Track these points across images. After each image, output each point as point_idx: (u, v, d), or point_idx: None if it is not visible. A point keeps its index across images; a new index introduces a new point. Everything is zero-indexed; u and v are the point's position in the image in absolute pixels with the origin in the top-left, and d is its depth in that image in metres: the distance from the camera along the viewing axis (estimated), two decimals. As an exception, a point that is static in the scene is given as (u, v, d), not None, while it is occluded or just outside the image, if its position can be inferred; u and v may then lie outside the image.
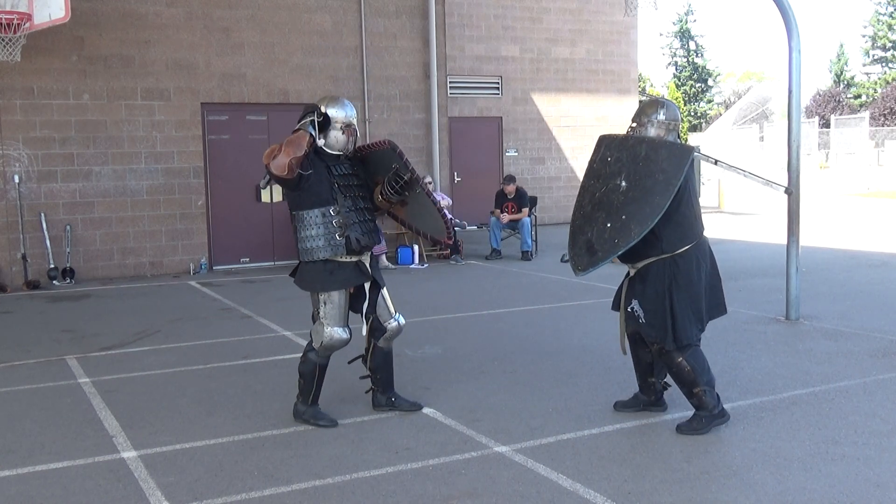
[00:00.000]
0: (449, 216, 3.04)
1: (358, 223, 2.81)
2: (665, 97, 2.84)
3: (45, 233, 6.59)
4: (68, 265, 6.67)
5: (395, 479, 2.43)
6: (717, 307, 2.83)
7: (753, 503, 2.21)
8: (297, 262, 2.93)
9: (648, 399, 2.97)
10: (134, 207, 7.00)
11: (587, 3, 11.13)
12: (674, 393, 3.21)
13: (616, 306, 2.92)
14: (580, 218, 2.78)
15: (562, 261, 7.42)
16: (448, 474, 2.45)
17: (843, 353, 3.83)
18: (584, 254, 2.69)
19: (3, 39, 5.70)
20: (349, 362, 3.12)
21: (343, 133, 2.80)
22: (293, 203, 2.84)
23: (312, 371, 2.85)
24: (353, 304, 2.89)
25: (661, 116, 2.82)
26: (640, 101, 2.94)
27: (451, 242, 3.07)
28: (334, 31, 7.72)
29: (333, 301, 2.80)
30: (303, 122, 2.73)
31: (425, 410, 3.07)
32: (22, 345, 4.43)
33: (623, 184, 2.65)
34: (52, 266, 6.62)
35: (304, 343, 4.23)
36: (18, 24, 5.68)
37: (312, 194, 2.77)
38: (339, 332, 2.81)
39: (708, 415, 2.75)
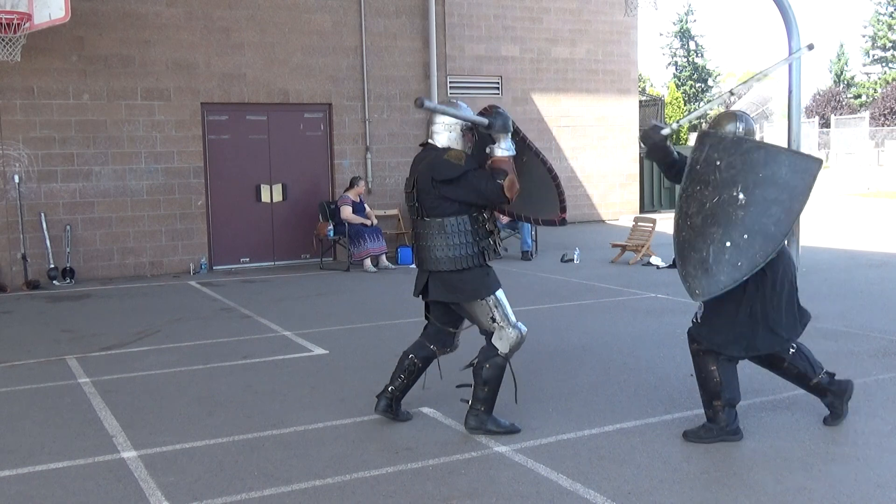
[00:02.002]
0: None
1: (496, 227, 2.81)
2: (742, 111, 2.65)
3: (45, 233, 6.60)
4: (68, 265, 6.68)
5: (395, 479, 2.43)
6: (771, 339, 2.59)
7: (753, 503, 2.21)
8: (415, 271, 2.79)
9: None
10: (134, 207, 7.01)
11: (587, 3, 11.13)
12: (674, 393, 3.21)
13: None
14: (688, 230, 2.46)
15: (562, 261, 7.43)
16: (448, 474, 2.45)
17: (844, 353, 3.84)
18: (701, 275, 2.40)
19: (3, 39, 5.70)
20: (461, 369, 2.92)
21: (463, 136, 2.81)
22: (438, 210, 2.68)
23: (500, 376, 2.74)
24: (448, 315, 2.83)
25: (741, 131, 2.55)
26: (717, 115, 2.66)
27: (565, 217, 2.79)
28: (334, 31, 7.72)
29: (501, 300, 2.75)
30: (504, 141, 2.64)
31: (425, 410, 3.07)
32: (22, 345, 4.44)
33: (741, 196, 2.36)
34: (52, 266, 6.62)
35: (305, 343, 4.27)
36: (18, 23, 5.68)
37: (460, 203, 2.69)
38: (522, 328, 2.78)
39: (718, 429, 2.65)
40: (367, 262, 7.13)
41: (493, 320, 2.73)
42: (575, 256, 7.57)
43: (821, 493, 2.27)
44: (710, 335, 2.63)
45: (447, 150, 2.74)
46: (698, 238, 2.49)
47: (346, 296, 5.87)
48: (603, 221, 11.31)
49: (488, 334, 2.78)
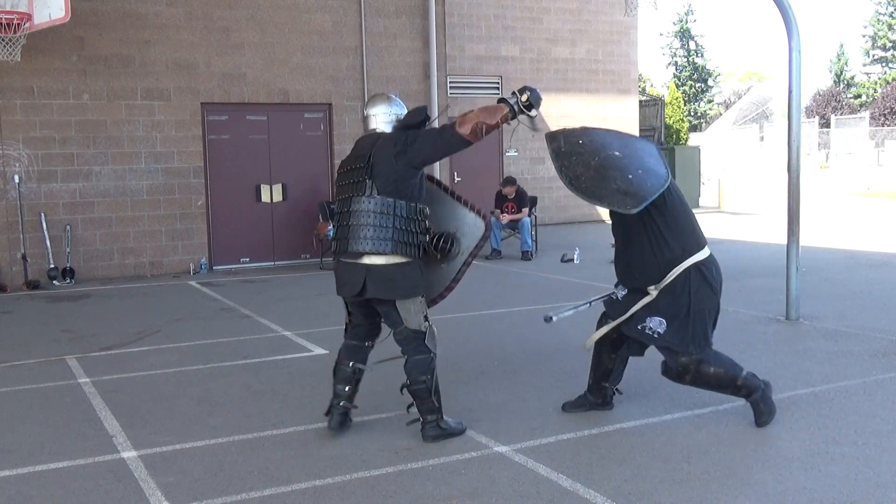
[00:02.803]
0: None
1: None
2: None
3: (45, 233, 6.60)
4: (68, 265, 6.68)
5: (395, 479, 2.43)
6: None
7: (754, 503, 2.21)
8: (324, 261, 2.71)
9: (596, 401, 2.98)
10: (134, 207, 7.01)
11: (587, 3, 11.14)
12: (674, 393, 3.21)
13: (608, 319, 2.81)
14: (587, 181, 2.68)
15: (562, 261, 7.43)
16: (448, 474, 2.45)
17: (844, 352, 3.83)
18: (625, 198, 2.62)
19: (3, 39, 5.71)
20: (402, 390, 2.76)
21: None
22: (404, 192, 2.56)
23: (435, 378, 2.66)
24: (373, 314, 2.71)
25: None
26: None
27: (487, 226, 2.80)
28: (334, 31, 7.72)
29: (424, 298, 2.66)
30: (506, 100, 2.61)
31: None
32: (22, 345, 4.44)
33: (617, 153, 2.70)
34: (52, 266, 6.62)
35: (305, 342, 4.26)
36: (18, 23, 5.69)
37: (422, 187, 2.63)
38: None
39: (760, 394, 2.78)
40: (367, 262, 7.14)
41: (426, 318, 2.64)
42: (575, 256, 7.52)
43: (821, 493, 2.27)
44: (673, 338, 2.69)
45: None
46: (602, 181, 2.68)
47: (346, 296, 5.90)
48: (603, 221, 11.30)
49: (408, 340, 2.63)
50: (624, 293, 2.82)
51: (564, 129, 2.83)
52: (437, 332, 2.70)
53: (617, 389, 2.99)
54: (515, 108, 2.63)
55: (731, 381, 2.76)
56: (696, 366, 2.71)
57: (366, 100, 7.87)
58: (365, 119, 2.78)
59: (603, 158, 2.69)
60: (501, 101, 2.68)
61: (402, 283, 2.59)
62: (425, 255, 2.66)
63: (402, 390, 2.77)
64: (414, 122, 2.68)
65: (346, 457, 2.60)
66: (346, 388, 2.74)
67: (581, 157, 2.70)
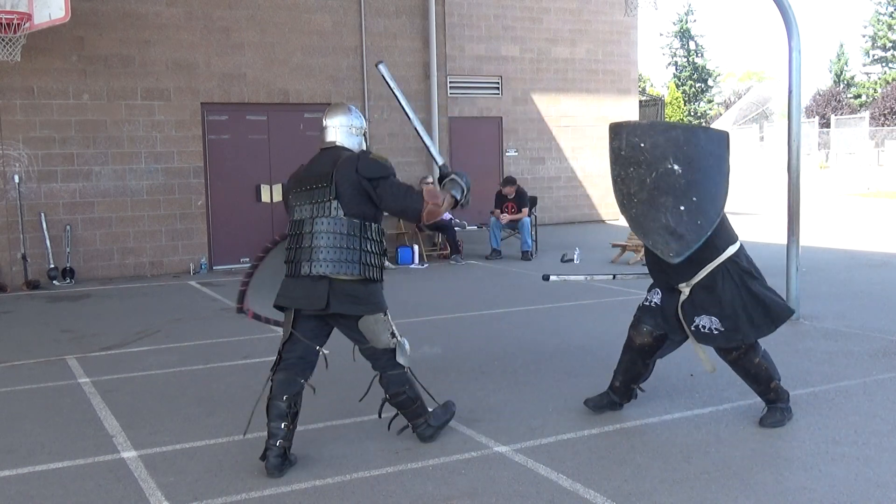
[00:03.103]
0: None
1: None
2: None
3: (45, 233, 6.60)
4: (68, 265, 6.68)
5: (395, 479, 2.43)
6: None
7: (754, 503, 2.22)
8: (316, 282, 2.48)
9: (620, 401, 2.97)
10: (134, 207, 7.01)
11: (587, 3, 11.14)
12: (673, 393, 3.21)
13: (673, 331, 2.78)
14: (637, 206, 2.62)
15: (562, 261, 7.43)
16: (448, 474, 2.46)
17: (843, 352, 3.84)
18: (670, 240, 2.58)
19: (3, 39, 5.71)
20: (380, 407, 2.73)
21: (365, 141, 2.73)
22: (368, 214, 2.54)
23: (414, 386, 2.64)
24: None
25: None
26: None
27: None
28: (334, 32, 7.72)
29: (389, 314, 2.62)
30: (451, 188, 2.65)
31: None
32: (22, 345, 4.44)
33: (676, 167, 2.56)
34: (52, 266, 6.62)
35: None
36: (18, 23, 5.69)
37: (377, 208, 2.59)
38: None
39: (785, 406, 2.83)
40: (368, 262, 7.15)
41: (393, 335, 2.58)
42: (575, 256, 7.57)
43: (821, 493, 2.27)
44: (736, 334, 2.70)
45: (368, 150, 2.68)
46: (651, 210, 2.65)
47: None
48: (603, 221, 11.32)
49: (377, 356, 2.58)
50: (658, 298, 2.80)
51: (629, 121, 2.72)
52: (404, 347, 2.60)
53: (641, 388, 3.00)
54: (462, 202, 2.71)
55: (767, 380, 2.81)
56: (744, 351, 2.75)
57: (366, 100, 7.96)
58: (323, 130, 2.68)
59: (659, 175, 2.56)
60: (450, 183, 2.68)
61: (368, 298, 2.55)
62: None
63: (380, 412, 2.71)
64: (373, 176, 2.54)
65: (346, 457, 2.60)
66: (283, 426, 2.48)
67: (639, 169, 2.59)
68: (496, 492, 2.32)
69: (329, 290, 2.50)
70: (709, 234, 2.59)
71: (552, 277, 3.05)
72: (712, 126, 2.62)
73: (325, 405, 3.01)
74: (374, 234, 2.57)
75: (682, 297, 2.73)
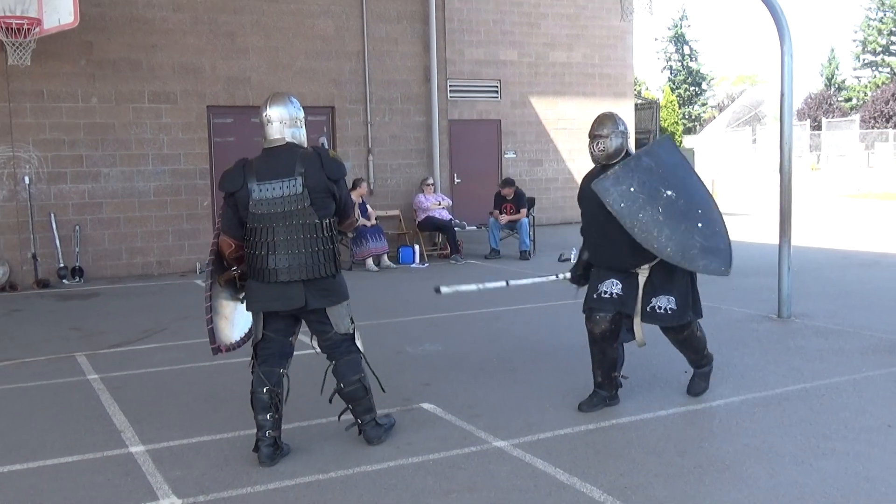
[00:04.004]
0: None
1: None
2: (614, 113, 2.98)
3: (55, 233, 6.67)
4: (77, 264, 6.75)
5: (396, 473, 2.46)
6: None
7: (746, 497, 2.23)
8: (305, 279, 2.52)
9: (609, 394, 3.04)
10: (141, 208, 7.08)
11: (584, 8, 11.21)
12: (668, 390, 3.26)
13: (620, 310, 2.90)
14: (668, 241, 2.75)
15: (559, 260, 7.45)
16: (448, 468, 2.49)
17: (834, 350, 3.88)
18: (713, 259, 2.83)
19: (13, 44, 5.79)
20: (330, 400, 2.78)
21: (304, 129, 2.67)
22: (328, 210, 2.56)
23: (366, 378, 2.67)
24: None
25: (622, 127, 2.99)
26: (599, 116, 3.06)
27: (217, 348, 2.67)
28: (337, 36, 7.80)
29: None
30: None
31: (426, 406, 3.11)
32: (32, 342, 4.49)
33: (670, 193, 2.76)
34: (62, 265, 6.69)
35: (308, 340, 4.30)
36: (29, 28, 5.77)
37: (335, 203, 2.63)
38: None
39: (709, 369, 3.15)
40: (370, 261, 7.19)
41: (352, 321, 2.65)
42: (572, 256, 7.55)
43: (812, 487, 2.30)
44: (686, 313, 2.96)
45: (326, 148, 2.68)
46: (681, 238, 2.81)
47: (348, 296, 5.97)
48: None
49: (336, 344, 2.61)
50: (618, 288, 2.90)
51: (605, 176, 2.79)
52: (362, 336, 2.70)
53: (623, 376, 3.09)
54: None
55: (704, 347, 3.11)
56: (692, 329, 3.02)
57: (368, 103, 8.04)
58: (267, 123, 2.57)
59: (664, 207, 2.77)
60: None
61: (336, 289, 2.61)
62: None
63: (331, 400, 2.73)
64: (337, 177, 2.59)
65: (349, 452, 2.64)
66: (269, 417, 2.54)
67: (645, 209, 2.78)
68: (495, 486, 2.35)
69: (304, 289, 2.53)
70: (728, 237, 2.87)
71: (443, 289, 3.07)
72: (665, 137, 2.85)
73: (327, 401, 3.07)
74: (333, 229, 2.59)
75: (643, 279, 2.89)
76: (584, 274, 3.14)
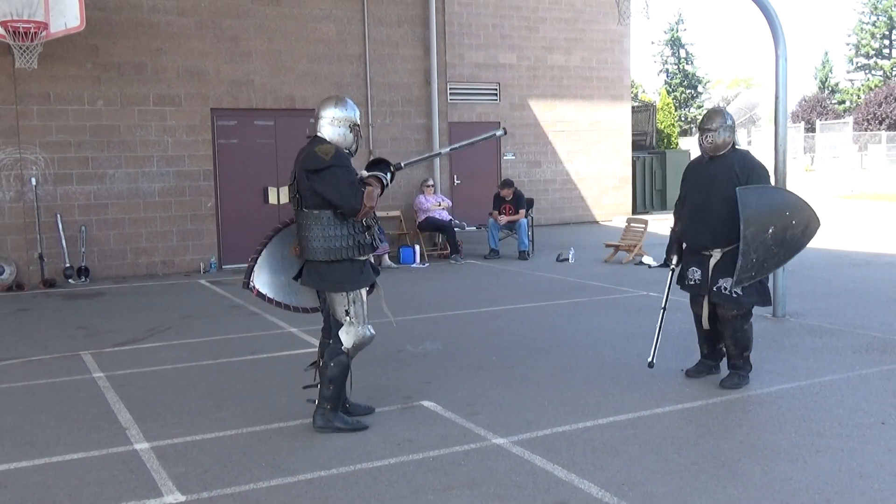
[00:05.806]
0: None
1: (376, 222, 2.86)
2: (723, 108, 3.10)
3: (61, 233, 6.71)
4: (83, 264, 6.80)
5: (397, 469, 2.48)
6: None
7: (741, 493, 2.25)
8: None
9: (715, 363, 3.37)
10: (146, 209, 7.13)
11: (582, 12, 11.28)
12: (665, 387, 3.27)
13: (692, 289, 3.28)
14: (758, 259, 3.12)
15: (557, 260, 7.54)
16: (448, 465, 2.50)
17: (828, 348, 3.90)
18: (761, 295, 3.23)
19: (20, 47, 5.83)
20: (305, 369, 3.04)
21: (351, 132, 2.84)
22: (316, 202, 2.71)
23: (345, 373, 2.78)
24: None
25: (729, 122, 3.22)
26: (708, 111, 3.28)
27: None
28: (338, 40, 7.85)
29: (361, 299, 2.78)
30: (377, 173, 2.81)
31: (426, 404, 3.14)
32: (38, 341, 4.51)
33: (770, 231, 3.12)
34: (68, 265, 6.73)
35: (310, 339, 4.35)
36: (35, 32, 5.82)
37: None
38: (370, 330, 2.82)
39: (745, 374, 3.26)
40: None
41: (347, 314, 2.76)
42: (570, 256, 7.68)
43: (806, 483, 2.31)
44: (747, 299, 3.18)
45: (322, 142, 2.77)
46: (779, 261, 3.28)
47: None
48: (597, 222, 11.42)
49: (336, 328, 2.80)
50: (697, 274, 3.23)
51: (800, 205, 3.25)
52: (364, 336, 2.79)
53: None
54: (385, 181, 2.85)
55: (745, 347, 3.24)
56: (742, 317, 3.19)
57: (369, 105, 8.10)
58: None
59: (775, 239, 3.12)
60: (376, 175, 2.83)
61: (330, 276, 2.76)
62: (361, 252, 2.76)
63: (305, 368, 2.99)
64: (309, 168, 2.71)
65: (351, 448, 2.66)
66: (315, 380, 2.91)
67: (782, 249, 3.17)
68: (494, 482, 2.36)
69: (304, 265, 2.82)
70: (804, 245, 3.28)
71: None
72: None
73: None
74: (334, 219, 2.71)
75: (714, 261, 3.20)
76: (676, 249, 3.40)
